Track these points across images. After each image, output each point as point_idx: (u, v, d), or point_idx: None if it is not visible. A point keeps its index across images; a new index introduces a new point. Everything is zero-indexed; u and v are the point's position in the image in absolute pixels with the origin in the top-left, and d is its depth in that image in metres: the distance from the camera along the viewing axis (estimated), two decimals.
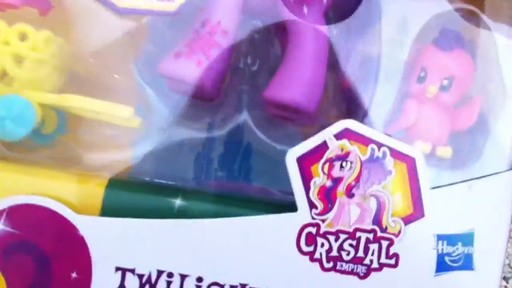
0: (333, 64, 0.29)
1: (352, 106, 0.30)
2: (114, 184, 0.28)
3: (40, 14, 0.28)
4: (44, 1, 0.28)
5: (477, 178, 0.28)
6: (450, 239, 0.27)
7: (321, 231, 0.27)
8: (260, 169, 0.30)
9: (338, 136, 0.27)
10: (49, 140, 0.29)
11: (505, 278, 0.52)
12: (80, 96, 0.27)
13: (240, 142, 0.30)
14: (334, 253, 0.27)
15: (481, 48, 0.29)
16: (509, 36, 0.29)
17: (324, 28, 0.29)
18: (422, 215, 0.27)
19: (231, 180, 0.31)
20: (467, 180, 0.28)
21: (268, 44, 0.31)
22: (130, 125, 0.29)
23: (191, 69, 0.28)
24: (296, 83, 0.28)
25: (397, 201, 0.27)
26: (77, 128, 0.30)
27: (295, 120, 0.30)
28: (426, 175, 0.27)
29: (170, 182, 0.29)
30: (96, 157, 0.30)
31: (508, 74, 0.29)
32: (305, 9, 0.29)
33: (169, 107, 0.29)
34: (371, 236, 0.27)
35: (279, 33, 0.31)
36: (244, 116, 0.29)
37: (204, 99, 0.30)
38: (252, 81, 0.31)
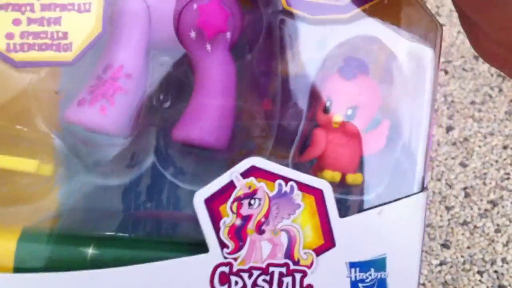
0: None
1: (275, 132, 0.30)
2: (26, 236, 0.28)
3: None
4: None
5: (387, 202, 0.28)
6: (362, 266, 0.28)
7: (234, 270, 0.27)
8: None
9: (245, 175, 0.27)
10: None
11: None
12: None
13: (153, 184, 0.30)
14: None
15: (387, 71, 0.30)
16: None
17: (230, 61, 0.29)
18: (334, 245, 0.28)
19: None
20: (377, 206, 0.28)
21: (180, 78, 0.31)
22: (42, 173, 0.29)
23: (94, 116, 0.28)
24: (203, 120, 0.28)
25: (308, 233, 0.27)
26: None
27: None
28: (335, 205, 0.28)
29: (86, 230, 0.29)
30: (11, 209, 0.29)
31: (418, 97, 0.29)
32: (208, 47, 0.29)
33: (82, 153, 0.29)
34: (284, 269, 0.27)
35: (191, 66, 0.31)
36: (153, 158, 0.30)
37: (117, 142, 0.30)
38: (165, 119, 0.31)
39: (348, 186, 0.29)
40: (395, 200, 0.28)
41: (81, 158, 0.29)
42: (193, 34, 0.29)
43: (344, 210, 0.28)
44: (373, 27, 0.29)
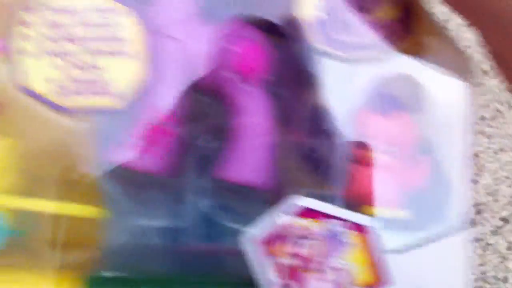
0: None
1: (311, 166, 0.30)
2: (95, 281, 0.28)
3: None
4: None
5: (434, 237, 0.29)
6: None
7: None
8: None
9: (295, 214, 0.27)
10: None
11: None
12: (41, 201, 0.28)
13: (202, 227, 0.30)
14: None
15: (421, 108, 0.30)
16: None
17: (266, 99, 0.30)
18: (384, 282, 0.28)
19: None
20: (424, 241, 0.29)
21: (217, 117, 0.32)
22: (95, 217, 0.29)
23: (139, 157, 0.28)
24: (245, 159, 0.29)
25: (358, 271, 0.28)
26: None
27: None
28: (381, 241, 0.28)
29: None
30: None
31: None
32: (244, 85, 0.29)
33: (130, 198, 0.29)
34: None
35: (226, 105, 0.31)
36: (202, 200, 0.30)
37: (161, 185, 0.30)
38: (206, 158, 0.31)
39: (390, 221, 0.29)
40: (438, 237, 0.29)
41: (128, 199, 0.29)
42: (229, 74, 0.29)
43: (388, 246, 0.29)
44: (404, 63, 0.30)
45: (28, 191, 0.29)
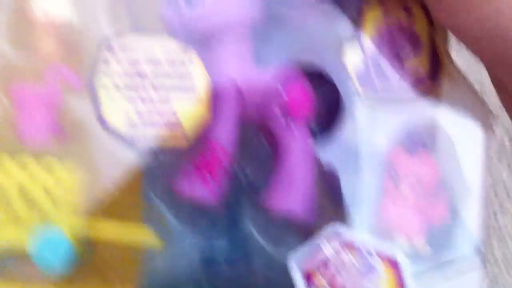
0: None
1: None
2: None
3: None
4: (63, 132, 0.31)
5: (449, 264, 0.32)
6: None
7: None
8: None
9: (331, 241, 0.30)
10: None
11: None
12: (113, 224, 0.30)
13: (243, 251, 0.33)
14: None
15: (442, 149, 0.34)
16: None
17: (309, 139, 0.33)
18: None
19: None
20: (440, 267, 0.32)
21: (259, 149, 0.35)
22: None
23: (199, 188, 0.31)
24: (292, 192, 0.32)
25: None
26: None
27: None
28: (409, 270, 0.31)
29: None
30: None
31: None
32: (291, 123, 0.32)
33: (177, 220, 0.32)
34: None
35: (267, 136, 0.34)
36: (245, 225, 0.33)
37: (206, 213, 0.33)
38: (251, 187, 0.34)
39: (414, 249, 0.33)
40: (455, 262, 0.32)
41: (183, 228, 0.32)
42: (277, 111, 0.32)
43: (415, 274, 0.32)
44: (429, 107, 0.33)
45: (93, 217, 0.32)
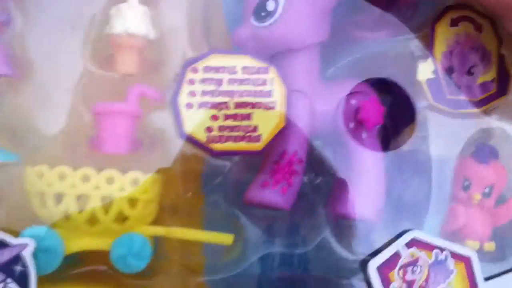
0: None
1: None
2: None
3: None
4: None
5: None
6: None
7: None
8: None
9: (408, 245, 0.32)
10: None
11: None
12: (185, 229, 0.32)
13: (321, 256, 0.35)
14: None
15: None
16: None
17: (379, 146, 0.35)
18: None
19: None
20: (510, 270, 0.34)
21: (325, 159, 0.37)
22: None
23: (277, 196, 0.33)
24: (365, 198, 0.34)
25: None
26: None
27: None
28: (480, 270, 0.33)
29: None
30: None
31: None
32: (364, 135, 0.34)
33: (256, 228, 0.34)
34: None
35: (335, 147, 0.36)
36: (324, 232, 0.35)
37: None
38: (318, 196, 0.36)
39: (485, 253, 0.34)
40: None
41: (257, 230, 0.34)
42: (352, 125, 0.34)
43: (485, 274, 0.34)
44: (498, 118, 0.35)
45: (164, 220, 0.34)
